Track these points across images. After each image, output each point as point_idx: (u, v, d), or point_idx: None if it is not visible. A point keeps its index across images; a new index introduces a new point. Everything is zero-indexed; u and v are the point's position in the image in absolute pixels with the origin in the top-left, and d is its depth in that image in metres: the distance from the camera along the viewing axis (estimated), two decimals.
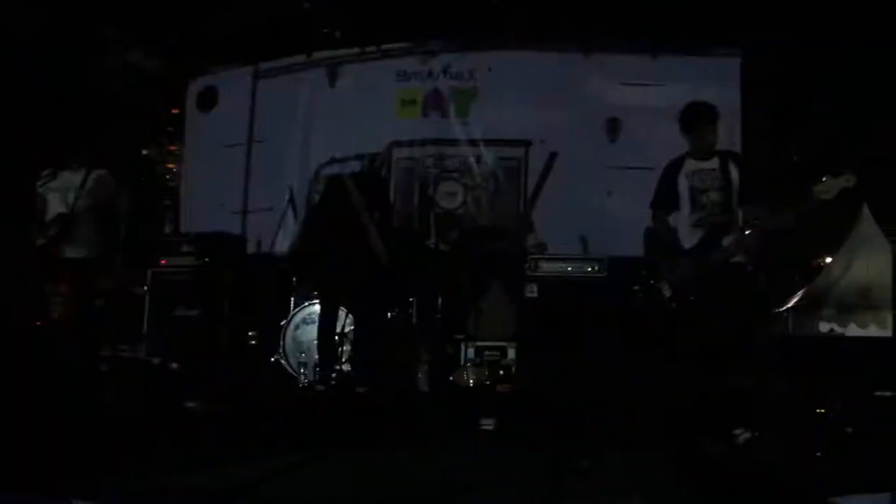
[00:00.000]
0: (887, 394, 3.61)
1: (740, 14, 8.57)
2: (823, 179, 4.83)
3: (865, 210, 10.68)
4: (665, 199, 5.43)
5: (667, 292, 5.29)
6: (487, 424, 3.86)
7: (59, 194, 6.65)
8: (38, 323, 7.05)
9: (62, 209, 6.58)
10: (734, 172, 5.27)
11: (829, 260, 13.48)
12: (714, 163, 5.30)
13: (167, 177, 11.74)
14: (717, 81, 8.65)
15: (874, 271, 9.04)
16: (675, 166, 5.45)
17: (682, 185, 5.36)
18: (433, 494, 2.46)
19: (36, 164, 6.81)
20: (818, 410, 3.49)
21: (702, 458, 3.32)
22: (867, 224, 11.22)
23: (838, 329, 12.15)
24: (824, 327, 12.26)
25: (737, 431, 3.49)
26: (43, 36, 8.34)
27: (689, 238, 5.32)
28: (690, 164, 5.36)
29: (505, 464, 2.99)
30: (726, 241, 5.15)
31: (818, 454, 3.18)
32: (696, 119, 5.29)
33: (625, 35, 9.13)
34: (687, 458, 3.27)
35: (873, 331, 8.31)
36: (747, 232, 5.09)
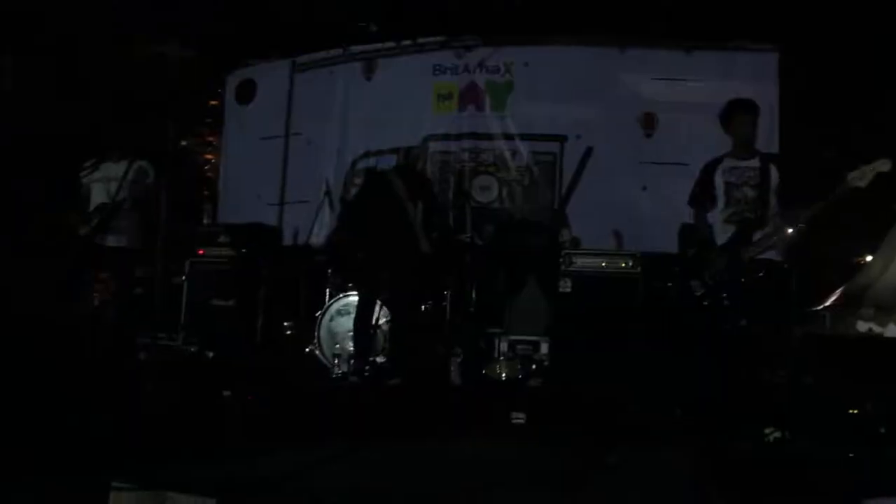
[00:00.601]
0: None
1: (777, 9, 8.50)
2: (860, 166, 4.80)
3: None
4: (702, 196, 5.42)
5: (700, 288, 5.28)
6: (518, 418, 3.89)
7: (102, 185, 6.79)
8: (80, 311, 7.22)
9: (105, 199, 6.73)
10: (774, 173, 5.25)
11: (868, 258, 13.34)
12: (755, 162, 5.29)
13: (206, 168, 11.90)
14: (755, 78, 8.59)
15: None
16: (714, 163, 5.44)
17: (719, 181, 5.36)
18: (462, 487, 2.49)
19: (80, 155, 6.94)
20: (851, 410, 3.47)
21: (732, 456, 3.32)
22: None
23: (877, 329, 12.02)
24: (863, 327, 12.14)
25: (768, 430, 3.48)
26: (85, 28, 8.48)
27: (722, 234, 5.31)
28: (729, 162, 5.35)
29: (534, 458, 3.01)
30: (759, 237, 5.14)
31: (851, 455, 3.17)
32: (737, 114, 5.28)
33: (661, 30, 9.08)
34: (718, 456, 3.28)
35: None
36: (782, 229, 5.06)
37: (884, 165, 4.75)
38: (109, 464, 2.52)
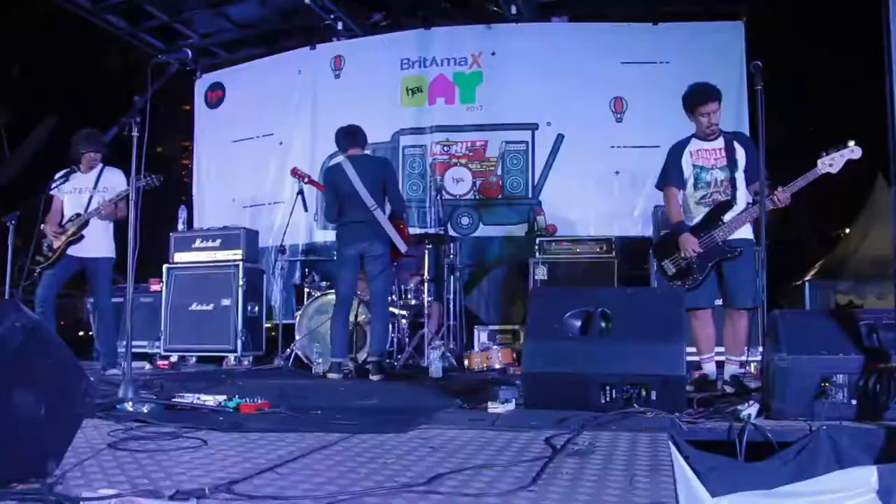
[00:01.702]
0: None
1: None
2: (827, 152, 4.84)
3: (880, 179, 10.63)
4: (671, 179, 5.45)
5: (674, 270, 5.33)
6: (495, 408, 3.92)
7: (73, 195, 6.78)
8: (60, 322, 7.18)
9: (76, 209, 6.72)
10: (740, 151, 5.28)
11: (845, 231, 13.44)
12: (719, 142, 5.31)
13: (182, 173, 11.87)
14: (721, 58, 8.65)
15: (889, 242, 8.99)
16: (680, 146, 5.47)
17: (687, 164, 5.38)
18: (440, 472, 2.51)
19: (47, 166, 6.92)
20: (824, 384, 3.52)
21: (707, 436, 3.36)
22: (881, 193, 11.17)
23: (857, 301, 12.14)
24: (843, 299, 12.26)
25: (741, 407, 3.52)
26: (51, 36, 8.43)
27: (695, 216, 5.34)
28: (695, 144, 5.38)
29: (513, 445, 3.03)
30: (731, 217, 5.17)
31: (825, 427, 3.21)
32: (699, 99, 5.30)
33: (629, 12, 9.14)
34: (692, 437, 3.31)
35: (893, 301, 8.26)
36: (754, 207, 5.10)
37: (853, 153, 4.80)
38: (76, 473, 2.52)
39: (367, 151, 6.86)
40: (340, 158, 6.67)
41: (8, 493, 2.15)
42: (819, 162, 4.84)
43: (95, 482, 2.41)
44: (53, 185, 6.70)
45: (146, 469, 2.63)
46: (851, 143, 4.83)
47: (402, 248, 6.50)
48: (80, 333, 9.96)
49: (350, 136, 6.62)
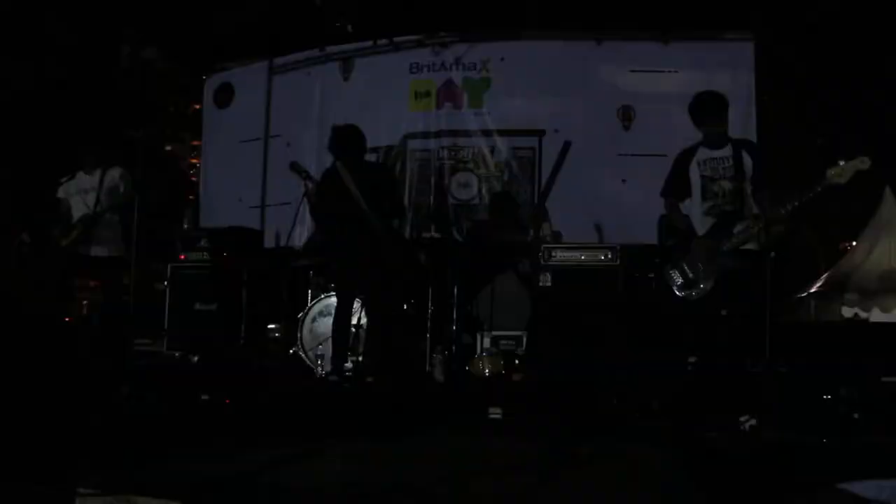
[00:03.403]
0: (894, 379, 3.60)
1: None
2: (839, 163, 4.81)
3: (888, 192, 10.59)
4: (676, 187, 5.43)
5: (680, 280, 5.30)
6: (495, 413, 3.90)
7: (79, 196, 6.80)
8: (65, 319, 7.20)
9: (84, 211, 6.74)
10: (747, 160, 5.25)
11: (852, 244, 13.38)
12: (727, 151, 5.28)
13: (190, 172, 11.90)
14: (731, 67, 8.63)
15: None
16: (687, 155, 5.44)
17: (694, 173, 5.36)
18: (440, 477, 2.51)
19: (53, 166, 6.95)
20: (825, 396, 3.50)
21: (708, 446, 3.34)
22: (889, 207, 11.13)
23: (862, 314, 12.10)
24: (848, 312, 12.23)
25: (743, 418, 3.50)
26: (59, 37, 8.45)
27: (701, 226, 5.32)
28: (702, 153, 5.36)
29: (512, 450, 3.02)
30: (739, 228, 5.15)
31: (825, 440, 3.19)
32: (706, 109, 5.28)
33: (636, 22, 9.12)
34: (694, 447, 3.30)
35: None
36: (762, 219, 5.08)
37: (863, 164, 4.76)
38: (76, 469, 2.52)
39: (370, 156, 6.83)
40: (339, 163, 6.66)
41: None
42: (828, 172, 4.82)
43: None
44: (59, 186, 6.73)
45: None
46: (861, 156, 4.80)
47: (400, 254, 6.52)
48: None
49: (343, 141, 6.59)
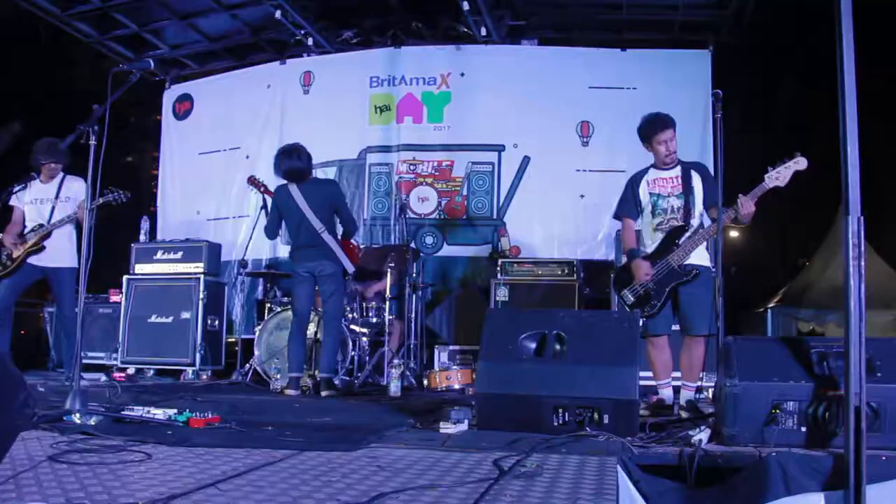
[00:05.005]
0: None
1: (709, 17, 8.69)
2: (774, 165, 4.78)
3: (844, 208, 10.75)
4: (629, 209, 5.48)
5: (632, 299, 5.34)
6: (447, 428, 3.89)
7: (33, 205, 6.69)
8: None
9: (38, 220, 6.63)
10: (696, 179, 5.31)
11: (807, 262, 13.56)
12: (676, 171, 5.34)
13: (151, 183, 11.77)
14: (689, 84, 8.77)
15: None
16: (638, 176, 5.51)
17: (644, 192, 5.41)
18: (383, 495, 2.49)
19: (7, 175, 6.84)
20: (774, 410, 3.53)
21: (658, 460, 3.36)
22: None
23: (819, 329, 12.25)
24: (805, 327, 12.38)
25: (692, 432, 3.53)
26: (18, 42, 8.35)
27: (651, 241, 5.37)
28: (652, 174, 5.42)
29: (460, 466, 3.01)
30: (685, 239, 5.19)
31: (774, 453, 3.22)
32: (654, 129, 5.34)
33: (597, 38, 9.25)
34: (642, 460, 3.31)
35: None
36: (710, 226, 5.14)
37: (799, 164, 4.77)
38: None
39: (319, 172, 6.84)
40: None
41: None
42: (766, 176, 4.81)
43: (28, 495, 2.36)
44: (12, 194, 6.62)
45: (84, 483, 2.57)
46: (798, 155, 4.80)
47: (350, 268, 6.57)
48: (38, 343, 9.81)
49: (288, 159, 6.61)
